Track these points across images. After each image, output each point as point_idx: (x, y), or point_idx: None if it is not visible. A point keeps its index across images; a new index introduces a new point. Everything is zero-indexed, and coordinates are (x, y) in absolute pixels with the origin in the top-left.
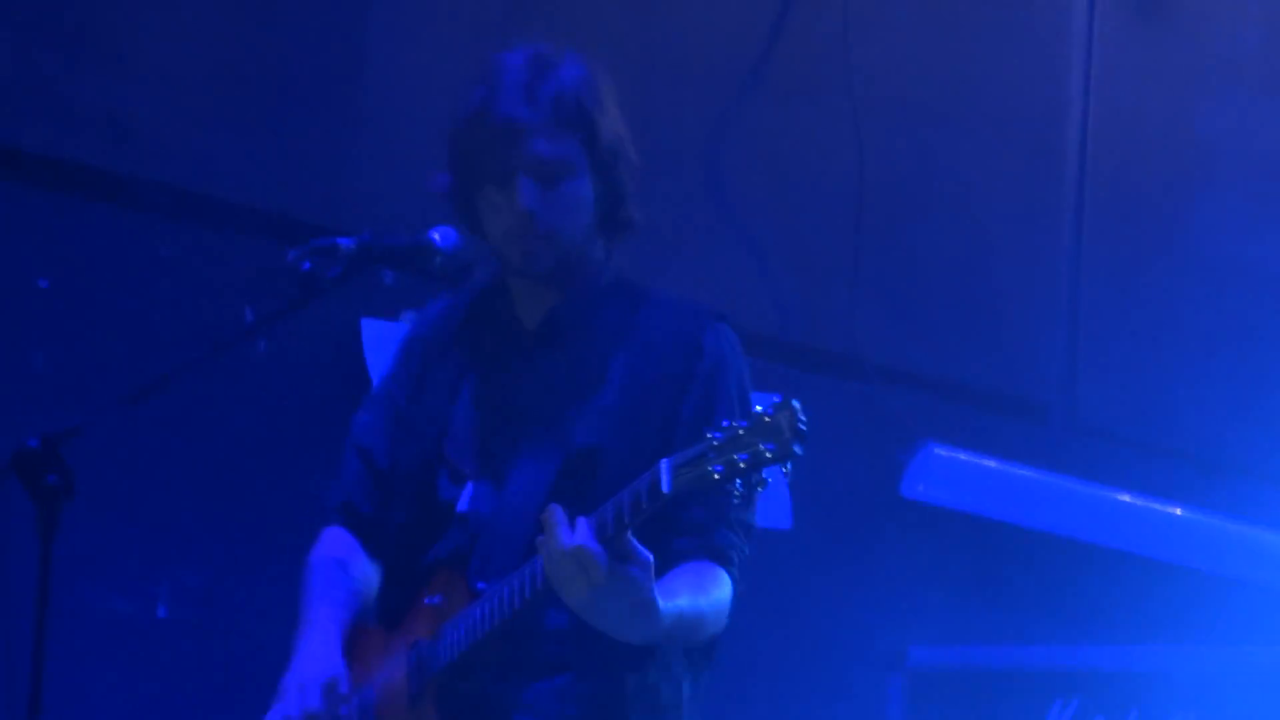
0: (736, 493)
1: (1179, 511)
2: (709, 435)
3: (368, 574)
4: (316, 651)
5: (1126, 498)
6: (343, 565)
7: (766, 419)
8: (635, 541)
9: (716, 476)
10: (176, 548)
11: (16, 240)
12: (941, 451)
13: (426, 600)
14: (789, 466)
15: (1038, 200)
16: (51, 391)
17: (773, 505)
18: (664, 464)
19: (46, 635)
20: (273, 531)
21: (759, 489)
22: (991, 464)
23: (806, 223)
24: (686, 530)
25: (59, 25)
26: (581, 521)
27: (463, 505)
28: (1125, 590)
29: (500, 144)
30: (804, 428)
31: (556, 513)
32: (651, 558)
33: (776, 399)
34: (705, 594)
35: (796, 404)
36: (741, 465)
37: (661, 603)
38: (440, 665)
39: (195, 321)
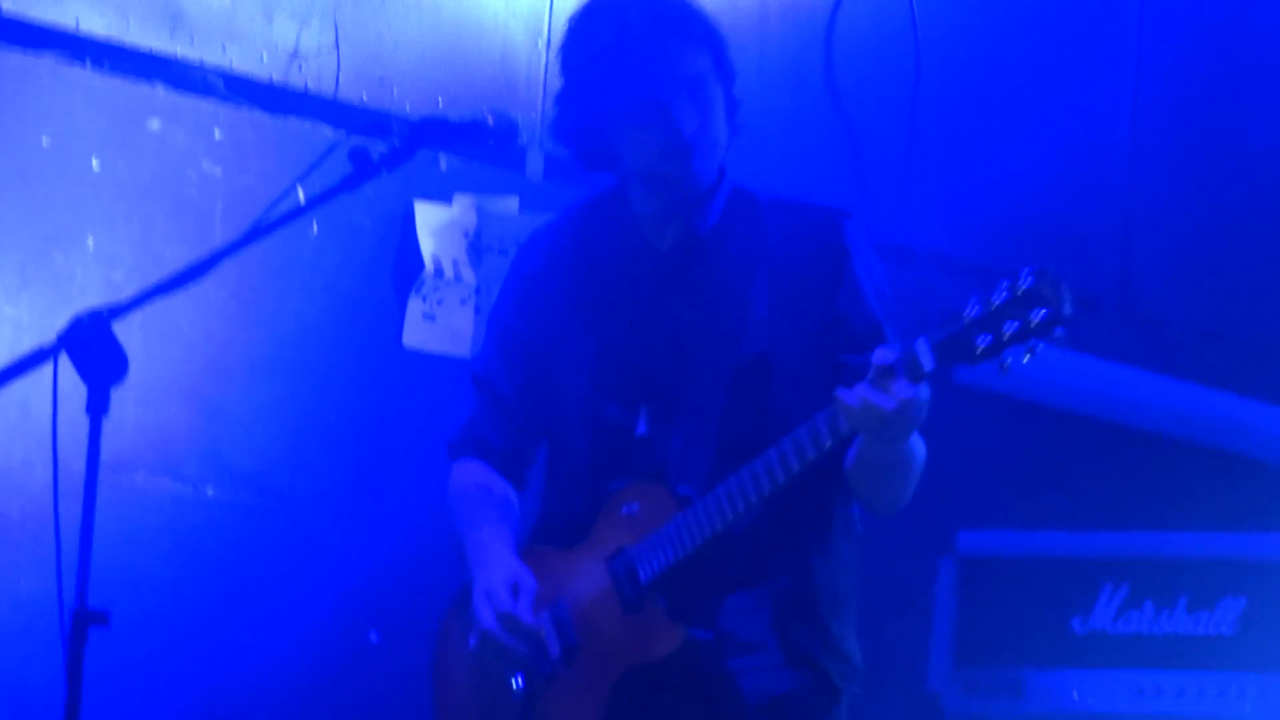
0: (1005, 364)
1: (1231, 398)
2: (965, 314)
3: (509, 497)
4: (494, 562)
5: (1179, 385)
6: (486, 489)
7: (1023, 289)
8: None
9: (982, 349)
10: (227, 428)
11: (70, 121)
12: None
13: (624, 510)
14: (1061, 332)
15: (1093, 89)
16: (104, 271)
17: None
18: (921, 341)
19: (95, 515)
20: (323, 413)
21: (1028, 357)
22: (1045, 349)
23: (861, 111)
24: None
25: None
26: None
27: (641, 429)
28: (1177, 477)
29: (648, 75)
30: (1070, 291)
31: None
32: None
33: (1027, 269)
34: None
35: (1054, 269)
36: (1008, 336)
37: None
38: (663, 566)
39: (248, 202)
